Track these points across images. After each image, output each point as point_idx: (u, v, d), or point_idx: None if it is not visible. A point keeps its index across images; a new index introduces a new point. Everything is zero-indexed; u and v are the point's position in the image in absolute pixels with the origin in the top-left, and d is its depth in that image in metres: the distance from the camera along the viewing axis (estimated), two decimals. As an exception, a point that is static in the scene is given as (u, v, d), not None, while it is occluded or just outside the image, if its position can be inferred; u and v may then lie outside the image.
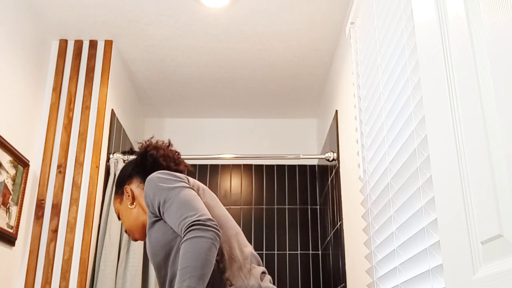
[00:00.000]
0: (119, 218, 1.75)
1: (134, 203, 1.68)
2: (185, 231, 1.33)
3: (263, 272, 1.46)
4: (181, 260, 1.28)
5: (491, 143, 0.74)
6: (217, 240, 1.32)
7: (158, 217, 1.50)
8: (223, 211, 1.55)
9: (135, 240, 1.72)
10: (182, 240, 1.32)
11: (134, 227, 1.67)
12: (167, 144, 1.78)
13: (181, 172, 1.73)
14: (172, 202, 1.42)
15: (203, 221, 1.34)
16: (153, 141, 1.78)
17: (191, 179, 1.57)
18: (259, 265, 1.49)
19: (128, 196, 1.69)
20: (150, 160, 1.70)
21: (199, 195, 1.51)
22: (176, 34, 2.75)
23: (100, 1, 2.49)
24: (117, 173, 2.72)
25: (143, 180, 1.69)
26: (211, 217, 1.37)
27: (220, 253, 1.40)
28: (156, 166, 1.70)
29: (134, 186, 1.71)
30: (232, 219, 1.57)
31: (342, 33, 2.69)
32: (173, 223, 1.40)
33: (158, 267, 1.48)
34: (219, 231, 1.34)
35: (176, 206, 1.40)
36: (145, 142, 1.77)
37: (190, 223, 1.33)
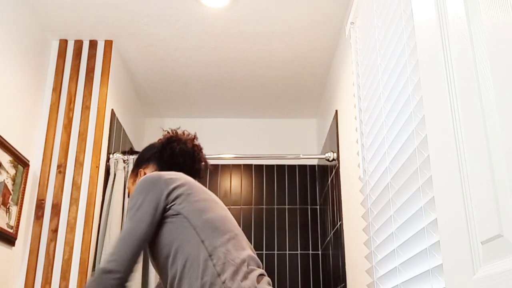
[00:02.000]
0: (128, 196, 1.78)
1: None
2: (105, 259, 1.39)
3: (261, 275, 1.45)
4: None
5: (491, 143, 0.74)
6: None
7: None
8: (219, 213, 1.52)
9: None
10: (90, 279, 1.38)
11: None
12: (192, 138, 1.77)
13: (196, 170, 1.74)
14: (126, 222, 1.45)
15: (106, 271, 1.35)
16: (180, 131, 1.78)
17: (183, 180, 1.54)
18: (258, 267, 1.48)
19: None
20: (169, 151, 1.72)
21: (186, 199, 1.49)
22: (176, 34, 2.75)
23: (100, 1, 2.49)
24: (117, 173, 2.73)
25: (158, 167, 1.72)
26: (124, 265, 1.37)
27: (217, 257, 1.39)
28: (173, 159, 1.72)
29: (148, 171, 1.74)
30: (232, 219, 1.54)
31: (342, 33, 2.69)
32: None
33: (159, 269, 1.48)
34: (120, 280, 1.36)
35: (121, 233, 1.43)
36: (171, 131, 1.77)
37: (100, 266, 1.37)
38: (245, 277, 1.39)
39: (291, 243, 3.50)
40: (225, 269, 1.38)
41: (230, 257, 1.41)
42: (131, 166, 2.78)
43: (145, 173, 1.73)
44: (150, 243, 1.49)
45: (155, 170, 1.72)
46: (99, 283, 1.34)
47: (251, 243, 3.49)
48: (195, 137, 1.78)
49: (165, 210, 1.47)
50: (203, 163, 1.78)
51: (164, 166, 1.73)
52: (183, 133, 1.78)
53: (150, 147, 1.80)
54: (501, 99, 0.72)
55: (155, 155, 1.74)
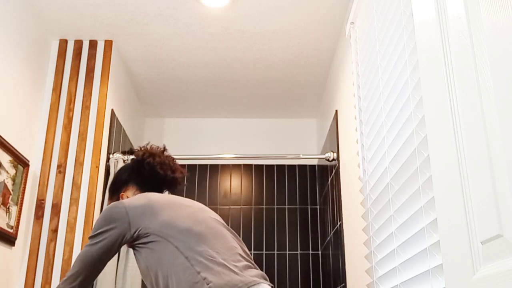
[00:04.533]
0: None
1: None
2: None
3: (248, 267, 1.47)
4: None
5: (491, 143, 0.74)
6: None
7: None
8: (182, 214, 1.54)
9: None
10: None
11: None
12: (162, 150, 1.79)
13: (176, 180, 1.76)
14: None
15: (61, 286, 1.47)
16: (148, 147, 1.78)
17: (147, 200, 1.57)
18: (247, 261, 1.50)
19: None
20: (147, 168, 1.72)
21: (150, 218, 1.52)
22: (176, 34, 2.75)
23: (100, 1, 2.49)
24: (117, 173, 2.73)
25: (139, 187, 1.72)
26: (73, 284, 1.47)
27: (193, 257, 1.42)
28: (153, 174, 1.72)
29: (130, 193, 1.73)
30: (209, 220, 1.56)
31: (342, 33, 2.69)
32: None
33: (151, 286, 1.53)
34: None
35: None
36: (141, 149, 1.77)
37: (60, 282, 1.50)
38: (227, 270, 1.41)
39: (291, 243, 3.50)
40: (203, 266, 1.41)
41: (207, 253, 1.44)
42: (131, 166, 2.79)
43: (127, 197, 1.71)
44: (141, 271, 1.53)
45: (136, 191, 1.72)
46: None
47: (251, 243, 3.49)
48: (164, 149, 1.79)
49: (133, 239, 1.52)
50: (180, 172, 1.78)
51: (144, 183, 1.73)
52: (152, 147, 1.78)
53: (124, 169, 1.78)
54: (501, 99, 0.72)
55: (133, 175, 1.73)
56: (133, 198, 1.58)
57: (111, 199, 1.76)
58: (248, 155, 2.94)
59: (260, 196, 3.60)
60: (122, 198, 1.71)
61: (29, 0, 2.48)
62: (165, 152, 1.78)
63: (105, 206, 2.61)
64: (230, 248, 1.49)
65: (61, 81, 2.72)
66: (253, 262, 1.53)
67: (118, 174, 1.77)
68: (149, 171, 1.71)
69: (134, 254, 1.55)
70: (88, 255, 1.48)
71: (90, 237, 1.52)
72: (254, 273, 1.45)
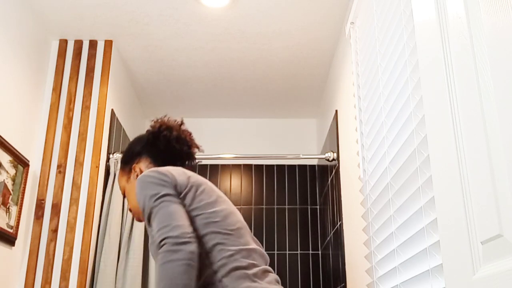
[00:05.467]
0: (124, 196, 1.69)
1: None
2: (158, 249, 1.31)
3: (266, 271, 1.40)
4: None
5: (491, 143, 0.74)
6: (192, 258, 1.27)
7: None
8: (225, 207, 1.47)
9: (140, 221, 1.64)
10: (157, 263, 1.29)
11: (137, 208, 1.60)
12: (180, 123, 1.70)
13: (192, 155, 1.69)
14: (155, 214, 1.37)
15: (174, 237, 1.29)
16: (166, 119, 1.69)
17: (186, 174, 1.50)
18: (266, 264, 1.43)
19: (137, 175, 1.62)
20: (163, 141, 1.64)
21: (193, 194, 1.45)
22: (176, 34, 2.75)
23: (100, 1, 2.49)
24: (117, 173, 2.72)
25: (153, 160, 1.64)
26: (185, 230, 1.31)
27: (213, 255, 1.36)
28: (169, 148, 1.64)
29: (143, 166, 1.64)
30: (237, 214, 1.50)
31: (342, 33, 2.69)
32: (151, 235, 1.40)
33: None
34: (193, 244, 1.29)
35: (156, 220, 1.35)
36: (157, 121, 1.68)
37: (161, 241, 1.30)
38: (246, 275, 1.35)
39: (291, 243, 3.50)
40: (223, 266, 1.35)
41: (231, 253, 1.38)
42: (131, 166, 2.78)
43: (140, 169, 1.63)
44: (151, 240, 1.44)
45: (150, 164, 1.64)
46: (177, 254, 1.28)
47: (251, 243, 3.49)
48: (182, 123, 1.71)
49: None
50: (196, 148, 1.71)
51: (159, 156, 1.65)
52: (169, 119, 1.69)
53: (139, 140, 1.70)
54: (501, 99, 0.72)
55: (147, 147, 1.65)
56: (172, 168, 1.49)
57: (123, 169, 1.67)
58: (248, 155, 2.94)
59: (260, 196, 3.60)
60: (135, 170, 1.63)
61: (29, 0, 2.48)
62: (182, 126, 1.70)
63: (105, 206, 2.60)
64: (254, 248, 1.43)
65: (61, 81, 2.72)
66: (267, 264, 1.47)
67: (132, 145, 1.70)
68: (165, 144, 1.63)
69: (151, 225, 1.45)
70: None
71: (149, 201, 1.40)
72: (274, 278, 1.40)
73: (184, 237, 1.29)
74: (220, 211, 1.45)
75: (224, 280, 1.33)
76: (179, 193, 1.43)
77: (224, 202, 1.51)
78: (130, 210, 1.65)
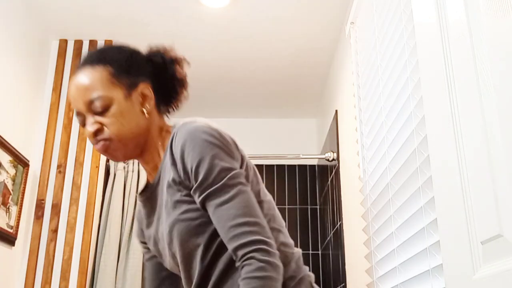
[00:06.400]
0: (101, 113, 1.13)
1: (145, 107, 1.19)
2: (245, 255, 0.98)
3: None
4: None
5: (491, 143, 0.74)
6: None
7: (186, 195, 1.08)
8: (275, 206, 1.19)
9: (116, 158, 1.15)
10: (244, 271, 0.97)
11: (129, 135, 1.14)
12: (185, 60, 1.37)
13: (178, 106, 1.36)
14: (230, 198, 1.02)
15: (269, 244, 0.99)
16: (174, 53, 1.34)
17: (239, 149, 1.18)
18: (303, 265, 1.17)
19: (142, 102, 1.19)
20: (170, 73, 1.30)
21: (251, 177, 1.14)
22: (176, 34, 2.75)
23: (100, 1, 2.49)
24: (117, 173, 2.72)
25: (152, 86, 1.23)
26: (270, 235, 1.02)
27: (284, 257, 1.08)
28: (171, 84, 1.30)
29: (149, 93, 1.22)
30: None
31: (342, 33, 2.69)
32: (220, 224, 1.02)
33: (184, 258, 1.10)
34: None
35: (234, 206, 1.01)
36: (166, 49, 1.31)
37: (254, 246, 0.98)
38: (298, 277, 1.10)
39: (291, 243, 3.50)
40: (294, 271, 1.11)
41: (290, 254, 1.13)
42: (131, 166, 2.78)
43: (149, 95, 1.20)
44: (176, 226, 1.09)
45: (152, 95, 1.22)
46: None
47: (251, 243, 3.48)
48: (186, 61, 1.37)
49: None
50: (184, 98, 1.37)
51: (159, 91, 1.26)
52: (176, 52, 1.34)
53: (135, 52, 1.23)
54: (501, 99, 0.72)
55: (149, 71, 1.24)
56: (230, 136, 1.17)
57: (119, 78, 1.16)
58: (248, 155, 2.93)
59: (260, 196, 3.60)
60: (144, 92, 1.19)
61: (29, 0, 2.48)
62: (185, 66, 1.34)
63: (105, 206, 2.60)
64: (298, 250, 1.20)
65: (61, 81, 2.72)
66: None
67: (136, 56, 1.23)
68: (170, 78, 1.29)
69: (180, 206, 1.10)
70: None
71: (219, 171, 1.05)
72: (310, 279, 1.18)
73: (274, 246, 1.01)
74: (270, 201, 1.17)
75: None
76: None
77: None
78: (108, 139, 1.13)
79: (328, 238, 3.09)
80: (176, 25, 2.67)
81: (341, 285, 2.60)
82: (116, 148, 1.14)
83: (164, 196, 1.14)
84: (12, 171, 2.29)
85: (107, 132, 1.13)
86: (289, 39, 2.79)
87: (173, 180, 1.10)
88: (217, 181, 1.03)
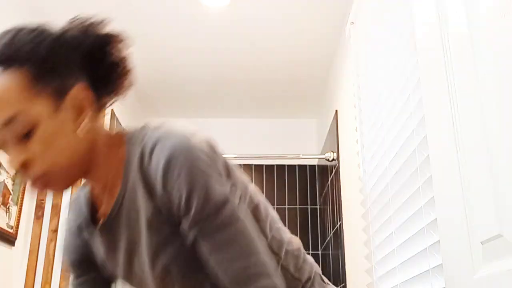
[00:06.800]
0: (23, 137, 0.83)
1: (83, 122, 0.88)
2: None
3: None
4: None
5: (491, 143, 0.74)
6: None
7: (173, 226, 0.88)
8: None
9: (60, 190, 0.90)
10: None
11: (68, 163, 0.86)
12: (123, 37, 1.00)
13: (121, 97, 1.03)
14: (229, 239, 0.84)
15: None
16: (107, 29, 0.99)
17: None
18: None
19: (81, 108, 0.89)
20: (107, 66, 0.98)
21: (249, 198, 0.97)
22: (176, 34, 2.75)
23: (100, 1, 2.48)
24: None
25: (91, 87, 0.92)
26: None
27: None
28: (107, 79, 0.98)
29: (81, 93, 0.90)
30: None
31: (342, 33, 2.69)
32: (222, 267, 0.84)
33: (185, 282, 0.93)
34: None
35: (236, 250, 0.84)
36: (92, 24, 0.99)
37: None
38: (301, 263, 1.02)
39: (291, 243, 3.50)
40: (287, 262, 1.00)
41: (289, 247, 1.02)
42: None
43: (79, 102, 0.89)
44: (173, 263, 0.92)
45: (90, 99, 0.91)
46: None
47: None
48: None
49: None
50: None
51: (95, 84, 0.94)
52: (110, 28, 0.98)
53: (56, 38, 0.93)
54: (501, 99, 0.72)
55: (80, 61, 0.92)
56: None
57: (37, 83, 0.83)
58: (248, 155, 2.94)
59: (260, 196, 3.60)
60: (77, 102, 0.88)
61: (29, 0, 2.48)
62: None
63: None
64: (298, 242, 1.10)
65: (61, 81, 2.72)
66: None
67: (54, 41, 0.91)
68: (109, 65, 0.97)
69: (174, 240, 0.91)
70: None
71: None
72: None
73: (282, 285, 0.86)
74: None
75: None
76: None
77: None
78: (44, 176, 0.86)
79: (328, 238, 3.09)
80: (176, 25, 2.67)
81: (341, 285, 2.60)
82: (56, 182, 0.87)
83: (142, 235, 0.90)
84: (12, 171, 2.29)
85: (39, 166, 0.85)
86: (289, 39, 2.79)
87: (153, 217, 0.88)
88: (213, 217, 0.84)
